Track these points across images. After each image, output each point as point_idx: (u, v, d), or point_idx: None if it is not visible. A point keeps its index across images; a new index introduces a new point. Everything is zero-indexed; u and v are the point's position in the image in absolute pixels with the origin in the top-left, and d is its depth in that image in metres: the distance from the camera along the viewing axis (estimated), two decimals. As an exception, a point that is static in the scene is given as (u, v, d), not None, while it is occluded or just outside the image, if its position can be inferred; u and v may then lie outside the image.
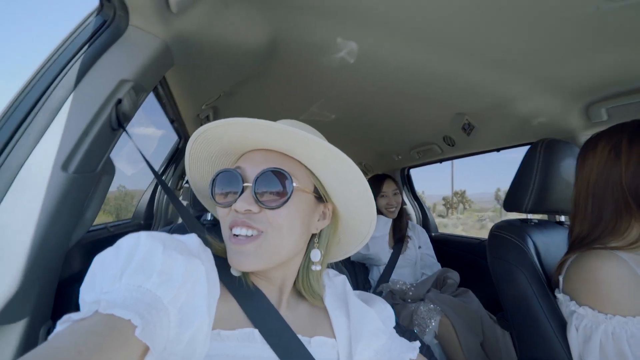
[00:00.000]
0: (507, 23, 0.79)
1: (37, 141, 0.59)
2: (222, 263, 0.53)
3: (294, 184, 0.50)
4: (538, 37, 0.84)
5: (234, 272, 0.54)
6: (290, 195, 0.49)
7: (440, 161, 2.07)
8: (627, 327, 0.61)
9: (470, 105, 1.40)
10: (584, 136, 1.28)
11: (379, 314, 0.60)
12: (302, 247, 0.56)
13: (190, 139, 0.55)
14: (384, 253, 1.79)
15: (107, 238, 1.17)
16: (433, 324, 1.42)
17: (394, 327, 1.26)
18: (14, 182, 0.57)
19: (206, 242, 0.52)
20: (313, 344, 0.53)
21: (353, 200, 0.57)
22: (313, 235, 0.58)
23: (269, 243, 0.49)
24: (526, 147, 1.10)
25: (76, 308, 0.39)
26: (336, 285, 0.64)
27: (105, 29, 0.67)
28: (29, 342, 0.62)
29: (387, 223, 1.86)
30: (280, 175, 0.49)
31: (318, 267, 0.58)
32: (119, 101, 0.70)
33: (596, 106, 1.13)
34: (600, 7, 0.64)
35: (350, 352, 0.54)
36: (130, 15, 0.68)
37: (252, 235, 0.49)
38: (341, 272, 0.76)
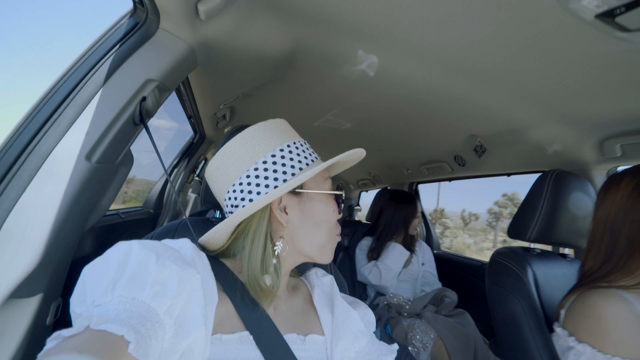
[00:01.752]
0: (526, 54, 0.80)
1: (65, 132, 0.64)
2: (218, 265, 0.54)
3: None
4: (555, 70, 0.85)
5: (268, 281, 0.54)
6: None
7: (450, 179, 2.06)
8: None
9: (483, 128, 1.41)
10: (597, 170, 1.26)
11: (362, 318, 0.63)
12: None
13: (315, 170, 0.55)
14: (392, 284, 1.75)
15: (118, 224, 1.22)
16: (428, 345, 1.42)
17: (389, 341, 1.28)
18: (41, 168, 0.62)
19: (200, 247, 0.54)
20: (307, 341, 0.55)
21: None
22: None
23: None
24: (511, 177, 1.09)
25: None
26: (324, 284, 0.67)
27: (137, 30, 0.71)
28: (41, 316, 0.66)
29: (403, 255, 1.79)
30: None
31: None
32: (144, 99, 0.74)
33: (611, 141, 1.12)
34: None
35: (331, 350, 0.56)
36: (161, 20, 0.72)
37: None
38: (339, 280, 0.78)
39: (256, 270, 0.53)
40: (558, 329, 0.75)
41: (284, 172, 0.55)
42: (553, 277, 1.00)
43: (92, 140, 0.66)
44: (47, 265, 0.64)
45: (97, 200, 0.77)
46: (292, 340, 0.54)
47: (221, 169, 0.58)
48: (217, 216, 0.93)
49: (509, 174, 1.61)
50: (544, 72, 0.87)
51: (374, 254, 1.80)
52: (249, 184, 0.54)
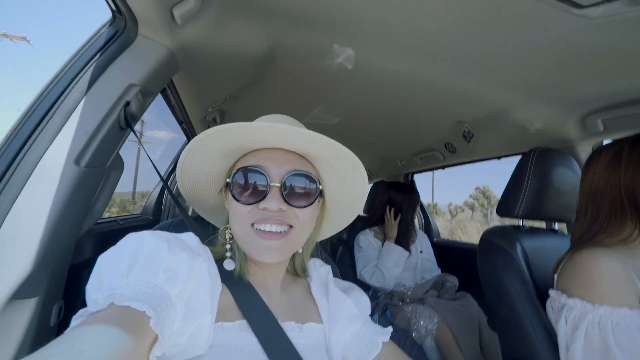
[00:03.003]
0: (503, 37, 0.82)
1: (54, 138, 0.67)
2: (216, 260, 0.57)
3: (320, 186, 0.57)
4: (527, 52, 0.87)
5: (228, 266, 0.58)
6: (317, 198, 0.56)
7: (443, 167, 2.08)
8: (613, 317, 0.64)
9: (469, 113, 1.43)
10: (582, 146, 1.28)
11: (356, 303, 0.65)
12: None
13: (199, 136, 0.54)
14: (393, 283, 1.77)
15: (116, 230, 1.25)
16: (432, 329, 1.44)
17: (393, 327, 1.29)
18: (32, 175, 0.64)
19: (202, 241, 0.56)
20: (305, 329, 0.58)
21: (347, 196, 0.64)
22: None
23: (295, 238, 0.55)
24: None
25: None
26: (321, 274, 0.69)
27: (117, 38, 0.74)
28: (43, 317, 0.69)
29: (403, 256, 1.79)
30: (308, 177, 0.55)
31: (301, 250, 0.66)
32: (127, 103, 0.77)
33: (592, 117, 1.14)
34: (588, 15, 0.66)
35: (329, 336, 0.59)
36: (139, 26, 0.75)
37: (282, 231, 0.53)
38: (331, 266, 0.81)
39: (222, 253, 0.58)
40: (552, 292, 0.79)
41: None
42: (543, 252, 1.02)
43: (80, 145, 0.69)
44: (44, 268, 0.66)
45: (89, 203, 0.80)
46: (290, 328, 0.56)
47: None
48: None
49: (499, 157, 1.63)
50: (517, 54, 0.89)
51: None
52: None
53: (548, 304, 0.80)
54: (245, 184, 0.53)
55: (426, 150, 1.95)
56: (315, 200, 0.56)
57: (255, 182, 0.53)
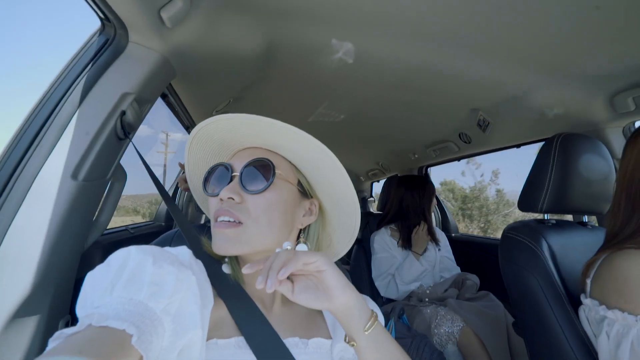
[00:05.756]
0: (514, 11, 0.75)
1: (49, 152, 0.66)
2: (214, 270, 0.54)
3: (277, 171, 0.54)
4: (550, 23, 0.79)
5: (226, 270, 0.56)
6: (272, 182, 0.53)
7: (458, 159, 1.99)
8: None
9: (483, 100, 1.35)
10: (611, 129, 1.18)
11: None
12: (287, 240, 0.57)
13: (188, 141, 0.59)
14: (405, 295, 1.69)
15: (127, 239, 1.26)
16: (455, 334, 1.36)
17: (407, 331, 1.20)
18: (30, 190, 0.64)
19: (197, 255, 0.54)
20: (310, 345, 0.54)
21: (337, 193, 0.59)
22: (301, 232, 0.60)
23: (250, 234, 0.52)
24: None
25: None
26: None
27: (108, 47, 0.73)
28: (49, 333, 0.69)
29: (420, 269, 1.71)
30: (263, 164, 0.54)
31: None
32: (123, 113, 0.75)
33: (621, 95, 1.04)
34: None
35: (331, 352, 0.55)
36: (129, 33, 0.73)
37: (233, 221, 0.52)
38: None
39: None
40: (586, 300, 0.71)
41: None
42: (572, 248, 0.94)
43: (76, 159, 0.67)
44: (47, 284, 0.66)
45: (92, 217, 0.79)
46: (294, 344, 0.53)
47: None
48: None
49: (517, 146, 1.54)
50: (532, 29, 0.82)
51: (407, 244, 1.75)
52: None
53: (581, 312, 0.72)
54: (211, 178, 0.57)
55: (440, 142, 1.87)
56: (269, 185, 0.53)
57: (220, 177, 0.56)
